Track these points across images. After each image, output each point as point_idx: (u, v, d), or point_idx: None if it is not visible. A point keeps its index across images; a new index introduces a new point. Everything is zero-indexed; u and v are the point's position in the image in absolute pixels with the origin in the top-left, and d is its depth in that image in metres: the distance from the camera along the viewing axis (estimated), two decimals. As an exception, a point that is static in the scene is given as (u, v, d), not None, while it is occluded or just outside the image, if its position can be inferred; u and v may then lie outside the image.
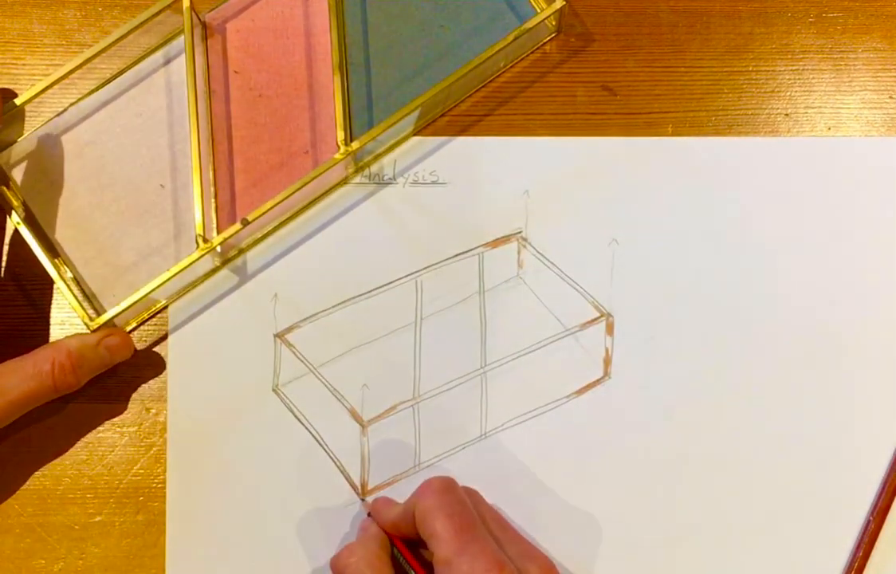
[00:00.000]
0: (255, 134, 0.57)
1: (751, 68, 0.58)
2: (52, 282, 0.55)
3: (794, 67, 0.58)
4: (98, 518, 0.54)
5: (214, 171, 0.56)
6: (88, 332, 0.53)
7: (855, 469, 0.54)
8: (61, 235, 0.56)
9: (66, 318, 0.56)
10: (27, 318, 0.56)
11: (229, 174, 0.56)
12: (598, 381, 0.55)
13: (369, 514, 0.52)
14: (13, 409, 0.50)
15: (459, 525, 0.46)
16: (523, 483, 0.53)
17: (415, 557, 0.49)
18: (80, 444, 0.55)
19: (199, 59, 0.57)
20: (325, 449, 0.54)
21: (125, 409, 0.55)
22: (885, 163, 0.57)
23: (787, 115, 0.57)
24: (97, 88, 0.57)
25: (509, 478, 0.54)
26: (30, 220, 0.55)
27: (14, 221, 0.53)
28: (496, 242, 0.56)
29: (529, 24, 0.55)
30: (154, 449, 0.55)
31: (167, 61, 0.58)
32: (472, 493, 0.50)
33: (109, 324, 0.53)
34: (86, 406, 0.55)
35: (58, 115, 0.57)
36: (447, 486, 0.48)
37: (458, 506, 0.47)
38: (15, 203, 0.55)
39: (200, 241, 0.53)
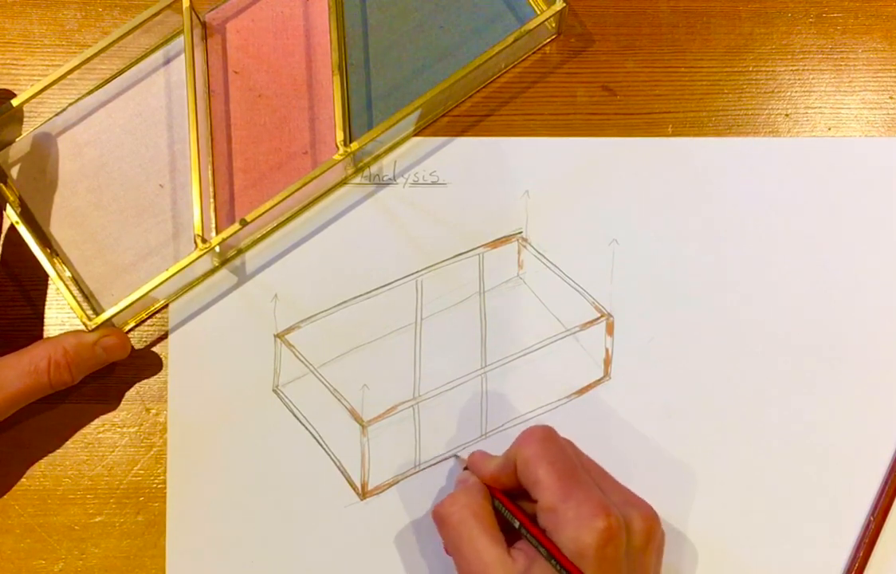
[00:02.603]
0: (255, 134, 0.57)
1: (751, 68, 0.58)
2: (50, 281, 0.55)
3: (794, 67, 0.58)
4: (98, 518, 0.54)
5: (213, 171, 0.56)
6: (86, 330, 0.53)
7: (855, 469, 0.54)
8: (60, 234, 0.56)
9: (66, 319, 0.55)
10: (26, 317, 0.56)
11: (228, 174, 0.56)
12: (598, 382, 0.55)
13: (466, 468, 0.52)
14: (9, 403, 0.51)
15: (563, 472, 0.46)
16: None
17: (516, 508, 0.49)
18: (80, 444, 0.55)
19: (199, 59, 0.57)
20: (325, 449, 0.54)
21: (125, 409, 0.55)
22: (885, 163, 0.57)
23: (787, 115, 0.57)
24: (97, 88, 0.57)
25: (509, 478, 0.54)
26: (28, 219, 0.55)
27: (12, 219, 0.53)
28: (496, 243, 0.56)
29: (529, 26, 0.55)
30: (154, 449, 0.55)
31: (167, 61, 0.58)
32: (570, 444, 0.50)
33: (108, 323, 0.53)
34: (86, 406, 0.55)
35: (57, 114, 0.57)
36: (548, 435, 0.48)
37: (561, 453, 0.47)
38: (12, 200, 0.55)
39: (199, 241, 0.53)
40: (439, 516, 0.49)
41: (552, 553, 0.45)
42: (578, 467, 0.47)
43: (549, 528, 0.46)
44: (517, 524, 0.48)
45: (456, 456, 0.54)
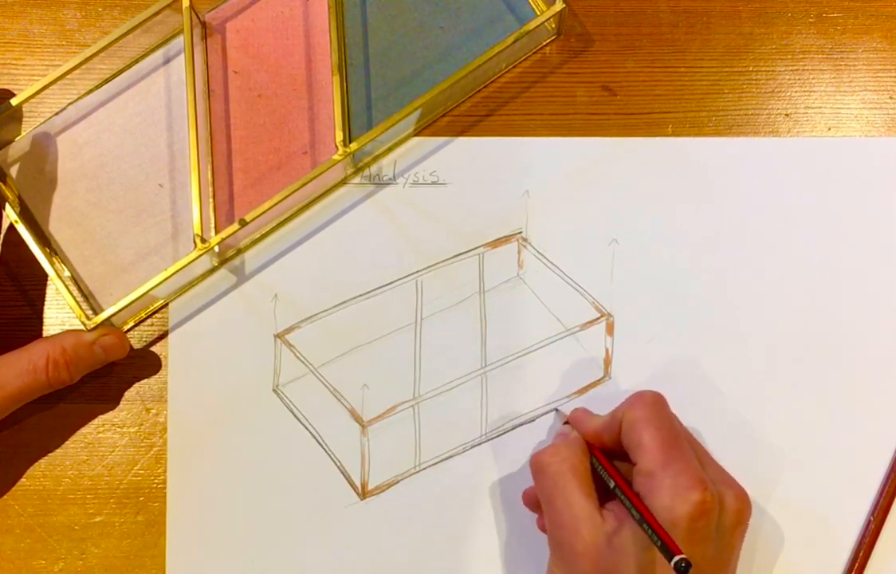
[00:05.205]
0: (254, 134, 0.57)
1: (751, 68, 0.58)
2: (49, 280, 0.55)
3: (794, 67, 0.58)
4: (98, 518, 0.54)
5: (213, 170, 0.56)
6: (85, 329, 0.53)
7: (855, 469, 0.54)
8: (59, 234, 0.56)
9: (66, 318, 0.55)
10: (25, 317, 0.56)
11: (228, 174, 0.56)
12: (598, 382, 0.55)
13: (566, 423, 0.52)
14: (7, 402, 0.51)
15: (666, 439, 0.47)
16: (525, 483, 0.53)
17: (613, 468, 0.49)
18: (80, 444, 0.55)
19: (199, 59, 0.57)
20: (325, 449, 0.54)
21: (125, 409, 0.55)
22: (885, 163, 0.57)
23: (787, 115, 0.57)
24: (96, 88, 0.57)
25: (511, 478, 0.54)
26: (27, 218, 0.55)
27: (12, 218, 0.53)
28: (496, 242, 0.56)
29: (529, 27, 0.55)
30: (154, 449, 0.55)
31: (166, 61, 0.58)
32: (676, 417, 0.50)
33: (107, 323, 0.53)
34: (86, 406, 0.55)
35: (56, 114, 0.57)
36: (658, 401, 0.49)
37: (667, 421, 0.48)
38: (11, 199, 0.55)
39: (198, 240, 0.53)
40: (539, 464, 0.49)
41: (645, 517, 0.45)
42: (682, 438, 0.48)
43: (643, 493, 0.46)
44: (612, 485, 0.48)
45: (556, 410, 0.54)
